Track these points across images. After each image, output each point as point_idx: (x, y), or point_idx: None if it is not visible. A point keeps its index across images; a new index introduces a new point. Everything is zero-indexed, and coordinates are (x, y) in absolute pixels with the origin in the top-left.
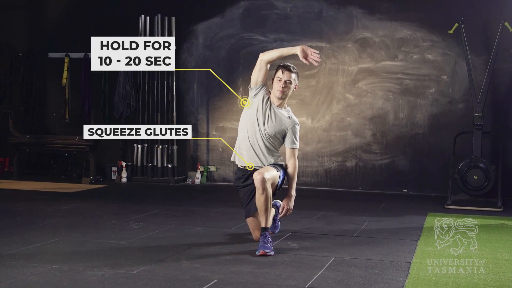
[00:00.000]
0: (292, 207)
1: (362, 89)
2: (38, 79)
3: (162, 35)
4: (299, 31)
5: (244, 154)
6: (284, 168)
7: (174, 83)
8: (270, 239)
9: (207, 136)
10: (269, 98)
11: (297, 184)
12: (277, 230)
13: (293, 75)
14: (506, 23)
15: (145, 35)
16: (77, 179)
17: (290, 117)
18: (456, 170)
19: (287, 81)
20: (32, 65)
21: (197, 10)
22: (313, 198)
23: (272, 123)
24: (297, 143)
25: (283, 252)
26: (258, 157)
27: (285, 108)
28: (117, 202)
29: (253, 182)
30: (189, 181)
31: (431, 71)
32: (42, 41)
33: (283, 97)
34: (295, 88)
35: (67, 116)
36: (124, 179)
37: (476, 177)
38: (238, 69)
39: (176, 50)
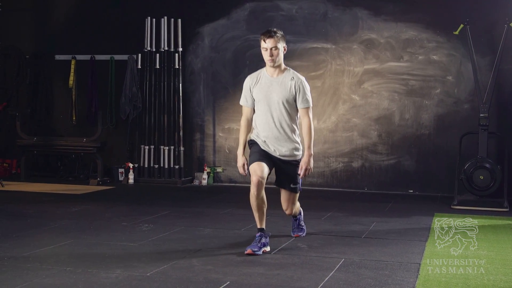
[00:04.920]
0: (311, 166)
1: (367, 90)
2: (45, 82)
3: (168, 37)
4: (304, 32)
5: (263, 139)
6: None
7: (181, 84)
8: (262, 241)
9: (214, 138)
10: (262, 75)
11: (303, 185)
12: (303, 234)
13: (276, 39)
14: (511, 24)
15: (151, 37)
16: (84, 180)
17: (293, 78)
18: (462, 171)
19: (273, 48)
20: (39, 68)
21: (203, 12)
22: (320, 199)
23: (276, 91)
24: (309, 101)
25: (293, 253)
26: (278, 141)
27: (285, 72)
28: (126, 203)
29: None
30: (196, 182)
31: (437, 71)
32: (49, 44)
33: (275, 64)
34: (284, 50)
35: (74, 118)
36: (131, 181)
37: (482, 178)
38: (244, 70)
39: (182, 52)
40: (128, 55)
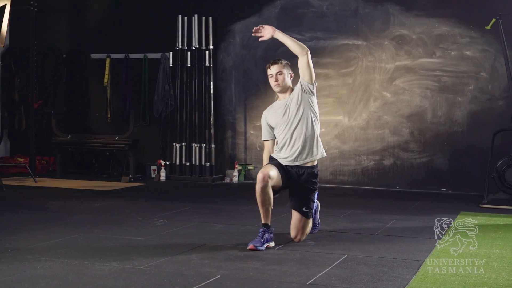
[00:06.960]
0: (268, 30)
1: (399, 87)
2: (81, 80)
3: (200, 35)
4: (335, 29)
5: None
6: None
7: (212, 82)
8: (266, 236)
9: (245, 135)
10: (275, 104)
11: (333, 183)
12: (316, 230)
13: (281, 65)
14: None
15: (183, 35)
16: (117, 177)
17: (293, 89)
18: (494, 169)
19: (278, 73)
20: (75, 66)
21: (234, 9)
22: (347, 197)
23: (292, 105)
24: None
25: (296, 249)
26: (300, 154)
27: (292, 91)
28: (149, 200)
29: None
30: (227, 180)
31: (470, 67)
32: (85, 43)
33: (282, 89)
34: (290, 77)
35: (109, 116)
36: (163, 178)
37: None
38: None
39: (213, 49)
40: (161, 54)
